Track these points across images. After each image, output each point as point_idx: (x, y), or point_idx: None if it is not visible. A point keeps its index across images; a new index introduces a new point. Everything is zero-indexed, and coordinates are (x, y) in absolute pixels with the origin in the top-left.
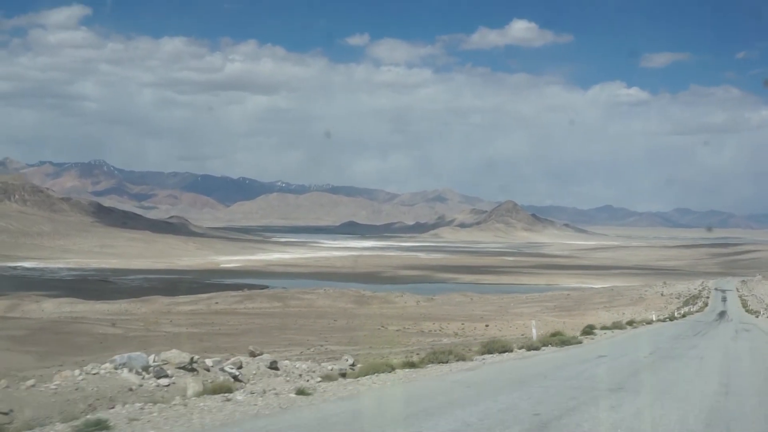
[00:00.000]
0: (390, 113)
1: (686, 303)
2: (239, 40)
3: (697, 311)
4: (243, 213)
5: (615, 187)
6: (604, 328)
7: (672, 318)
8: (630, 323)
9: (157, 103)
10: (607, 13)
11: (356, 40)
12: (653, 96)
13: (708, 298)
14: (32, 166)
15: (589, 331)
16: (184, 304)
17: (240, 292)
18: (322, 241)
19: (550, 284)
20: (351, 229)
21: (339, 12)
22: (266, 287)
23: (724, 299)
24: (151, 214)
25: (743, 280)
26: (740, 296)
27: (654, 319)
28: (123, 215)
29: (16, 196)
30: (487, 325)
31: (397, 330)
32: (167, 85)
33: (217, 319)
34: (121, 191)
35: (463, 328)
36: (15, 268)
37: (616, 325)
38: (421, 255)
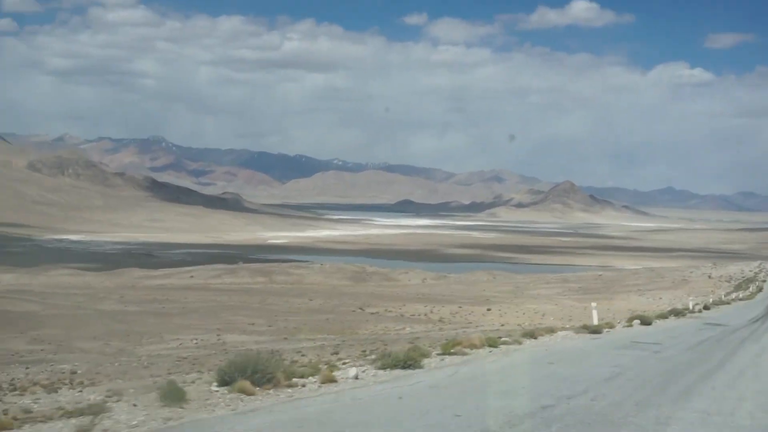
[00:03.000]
0: (448, 92)
1: (738, 288)
2: (297, 18)
3: (740, 300)
4: (299, 190)
5: (677, 169)
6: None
7: (679, 313)
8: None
9: (215, 80)
10: None
11: (414, 19)
12: (717, 77)
13: (764, 281)
14: (91, 141)
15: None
16: (157, 277)
17: (226, 266)
18: (375, 219)
19: (604, 265)
20: (406, 208)
21: None
22: (308, 261)
23: None
24: (208, 191)
25: None
26: None
27: (630, 322)
28: (177, 190)
29: (70, 171)
30: (489, 309)
31: (374, 313)
32: (224, 63)
33: (176, 296)
34: (179, 167)
35: (457, 313)
36: (61, 240)
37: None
38: (475, 234)
